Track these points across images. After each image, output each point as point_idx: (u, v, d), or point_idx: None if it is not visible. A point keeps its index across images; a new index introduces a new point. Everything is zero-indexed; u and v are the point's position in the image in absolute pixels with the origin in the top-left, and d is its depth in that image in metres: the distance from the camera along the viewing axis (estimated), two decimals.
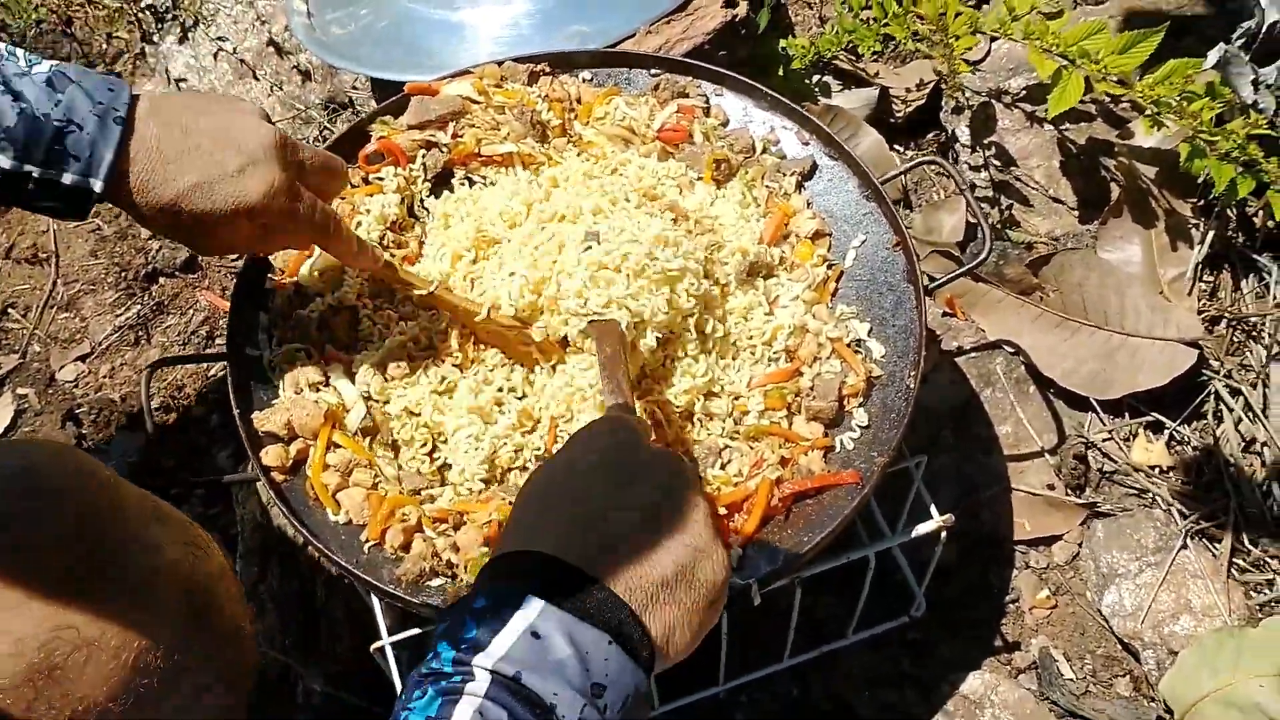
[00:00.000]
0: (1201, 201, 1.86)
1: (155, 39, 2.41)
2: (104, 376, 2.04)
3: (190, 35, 2.34)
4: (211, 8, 2.35)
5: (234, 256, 2.13)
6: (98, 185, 1.15)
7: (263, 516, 1.65)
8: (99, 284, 2.15)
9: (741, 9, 1.82)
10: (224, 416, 1.96)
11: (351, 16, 2.06)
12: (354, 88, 2.30)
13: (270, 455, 1.37)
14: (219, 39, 2.31)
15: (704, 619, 0.91)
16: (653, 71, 1.66)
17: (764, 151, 1.59)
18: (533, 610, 0.83)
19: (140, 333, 2.09)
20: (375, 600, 1.41)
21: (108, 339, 2.08)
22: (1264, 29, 1.76)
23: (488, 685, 0.79)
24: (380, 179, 1.58)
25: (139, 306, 2.11)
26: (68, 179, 1.14)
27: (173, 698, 1.09)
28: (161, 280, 2.15)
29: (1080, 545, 1.72)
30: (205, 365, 2.02)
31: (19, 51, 1.16)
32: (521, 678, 0.80)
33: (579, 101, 1.64)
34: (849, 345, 1.43)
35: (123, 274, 2.14)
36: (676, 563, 0.89)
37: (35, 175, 1.13)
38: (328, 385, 1.43)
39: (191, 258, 2.15)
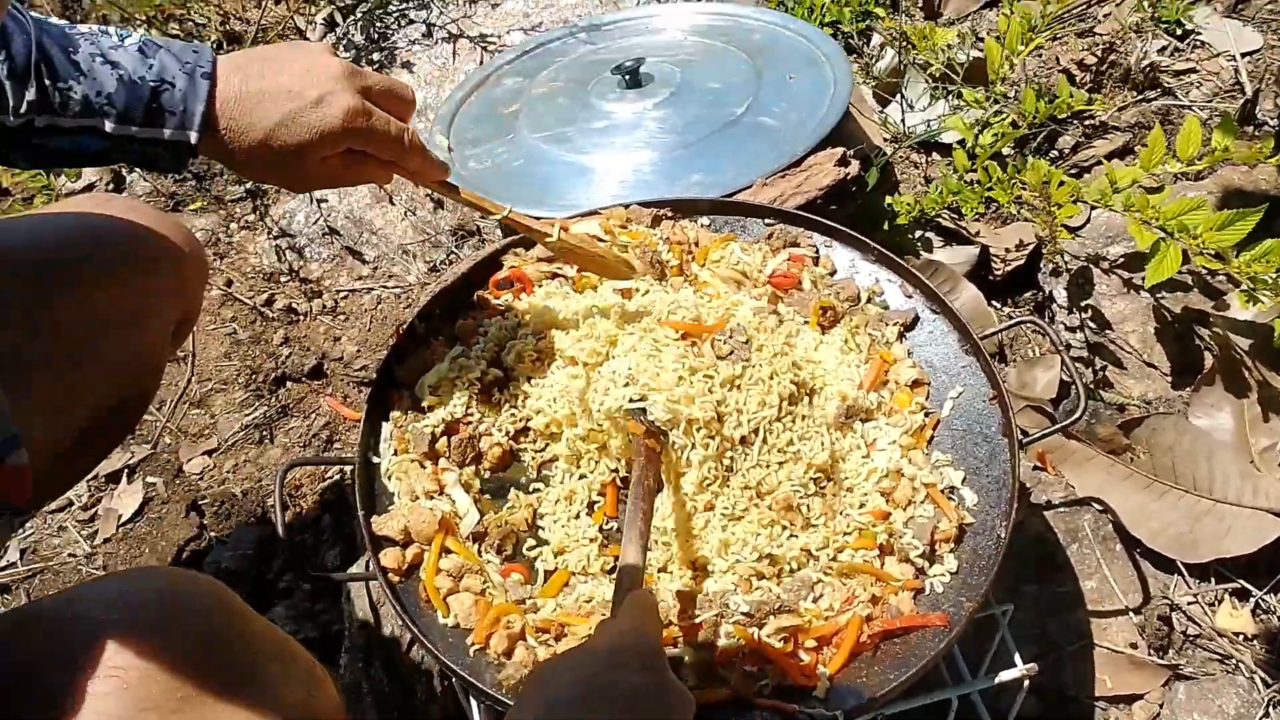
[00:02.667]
0: None
1: None
2: (228, 471, 2.17)
3: None
4: None
5: (359, 366, 2.26)
6: (193, 136, 1.27)
7: (371, 615, 1.74)
8: (230, 384, 2.29)
9: (853, 168, 1.93)
10: (335, 518, 2.06)
11: (489, 154, 2.22)
12: (481, 219, 2.45)
13: (388, 557, 1.46)
14: None
15: None
16: (767, 221, 1.77)
17: (868, 301, 1.68)
18: None
19: (265, 432, 2.22)
20: (474, 703, 1.48)
21: (234, 436, 2.21)
22: None
23: None
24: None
25: (265, 408, 2.25)
26: (167, 134, 1.26)
27: None
28: (288, 384, 2.29)
29: (1161, 706, 1.72)
30: (322, 468, 2.13)
31: (110, 29, 1.29)
32: None
33: (697, 244, 1.75)
34: (943, 491, 1.49)
35: (253, 376, 2.29)
36: None
37: (137, 135, 1.26)
38: (442, 494, 1.53)
39: (318, 365, 2.28)
